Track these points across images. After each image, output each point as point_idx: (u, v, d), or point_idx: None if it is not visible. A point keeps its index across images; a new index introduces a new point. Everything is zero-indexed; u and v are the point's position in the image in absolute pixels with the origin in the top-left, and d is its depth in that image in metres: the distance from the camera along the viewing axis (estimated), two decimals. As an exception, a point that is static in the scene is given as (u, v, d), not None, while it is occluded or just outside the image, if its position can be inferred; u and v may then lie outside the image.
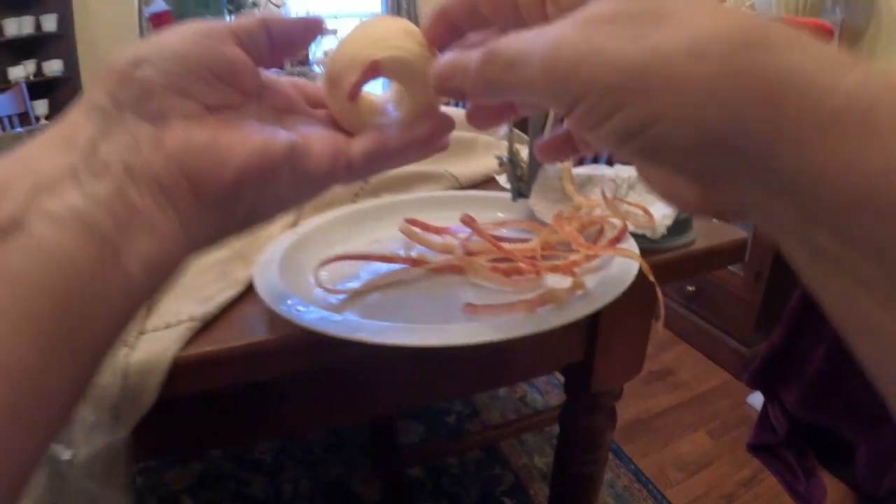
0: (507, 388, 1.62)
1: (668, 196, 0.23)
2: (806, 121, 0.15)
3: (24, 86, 1.94)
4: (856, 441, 1.15)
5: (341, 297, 0.40)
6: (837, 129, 0.15)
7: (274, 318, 0.36)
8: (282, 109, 0.28)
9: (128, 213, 0.21)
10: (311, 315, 0.34)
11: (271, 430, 0.50)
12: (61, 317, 0.19)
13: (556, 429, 1.36)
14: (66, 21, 3.04)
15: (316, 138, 0.27)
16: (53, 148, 0.21)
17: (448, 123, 0.30)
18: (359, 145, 0.28)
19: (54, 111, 3.11)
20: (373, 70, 0.28)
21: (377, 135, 0.28)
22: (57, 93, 3.11)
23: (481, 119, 0.27)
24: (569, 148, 0.28)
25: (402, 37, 0.28)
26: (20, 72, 2.98)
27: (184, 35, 0.24)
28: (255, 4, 1.45)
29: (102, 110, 0.22)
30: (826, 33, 0.69)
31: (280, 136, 0.25)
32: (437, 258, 0.43)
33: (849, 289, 0.16)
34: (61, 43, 3.07)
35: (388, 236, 0.50)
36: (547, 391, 1.64)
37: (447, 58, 0.25)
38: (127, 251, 0.21)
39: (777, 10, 1.65)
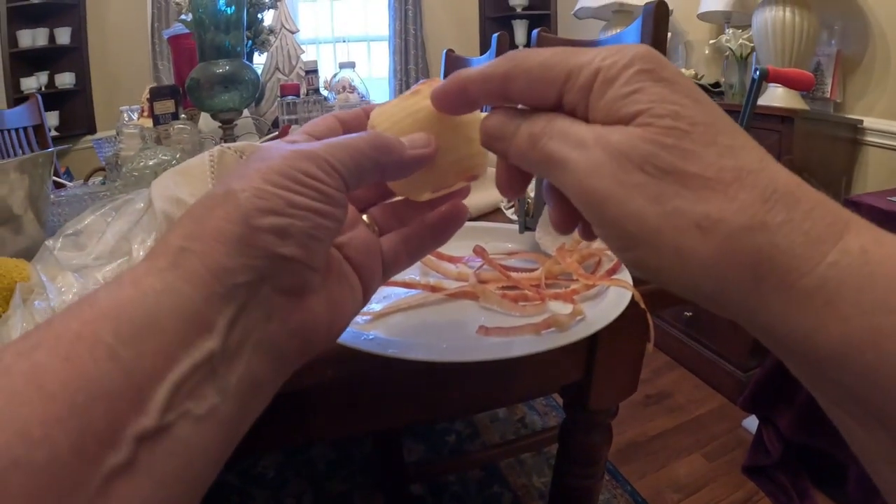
0: (506, 410, 1.65)
1: None
2: (781, 298, 0.18)
3: (40, 98, 1.99)
4: (847, 462, 1.18)
5: (367, 317, 0.45)
6: (808, 306, 0.18)
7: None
8: None
9: (252, 393, 0.22)
10: (346, 333, 0.39)
11: (299, 438, 0.55)
12: (195, 501, 0.20)
13: (554, 449, 1.39)
14: (79, 35, 3.10)
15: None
16: (189, 327, 0.20)
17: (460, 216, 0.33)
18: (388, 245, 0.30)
19: (64, 123, 3.16)
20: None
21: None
22: (67, 105, 3.17)
23: (507, 191, 0.28)
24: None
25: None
26: (33, 83, 3.03)
27: (324, 204, 0.23)
28: (272, 31, 1.52)
29: (246, 286, 0.21)
30: (807, 83, 0.75)
31: (353, 304, 0.27)
32: (452, 285, 0.49)
33: (830, 408, 0.20)
34: (74, 56, 3.14)
35: (405, 263, 0.55)
36: (545, 413, 1.67)
37: (498, 117, 0.25)
38: (245, 425, 0.22)
39: (774, 44, 1.72)
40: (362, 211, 0.32)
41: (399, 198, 0.33)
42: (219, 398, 0.20)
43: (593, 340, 0.57)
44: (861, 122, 1.73)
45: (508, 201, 0.58)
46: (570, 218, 0.26)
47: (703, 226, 0.19)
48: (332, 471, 1.43)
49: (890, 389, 0.17)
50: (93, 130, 3.21)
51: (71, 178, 1.62)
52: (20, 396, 0.16)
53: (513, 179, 0.27)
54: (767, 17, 1.70)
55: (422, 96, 0.28)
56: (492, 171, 0.30)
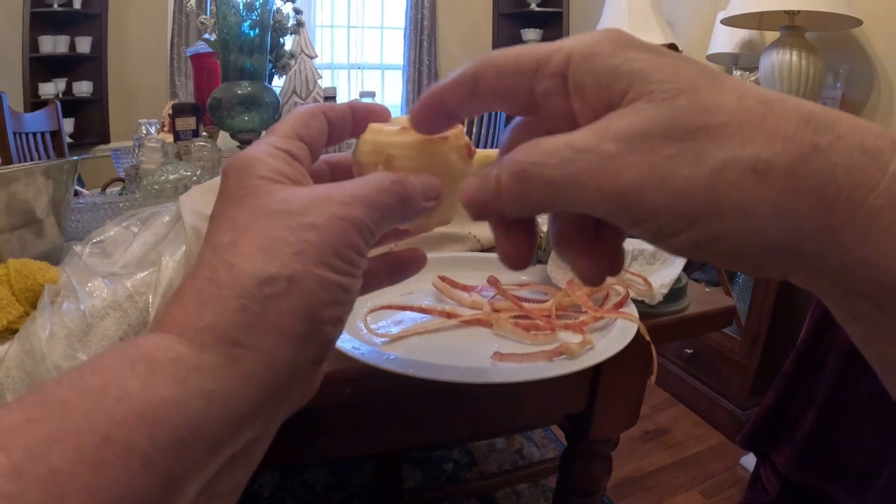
0: (504, 441, 1.65)
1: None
2: (853, 222, 0.17)
3: (59, 104, 2.04)
4: (844, 502, 1.18)
5: (385, 339, 0.47)
6: (877, 226, 0.16)
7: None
8: None
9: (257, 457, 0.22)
10: (365, 351, 0.41)
11: (307, 455, 0.56)
12: None
13: (550, 482, 1.39)
14: (99, 45, 3.14)
15: None
16: (238, 430, 0.19)
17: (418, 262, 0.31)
18: None
19: (79, 131, 3.18)
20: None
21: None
22: (83, 113, 3.20)
23: (516, 261, 0.24)
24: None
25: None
26: (51, 89, 3.06)
27: (360, 282, 0.23)
28: (292, 55, 1.56)
29: (299, 377, 0.21)
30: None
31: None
32: (466, 312, 0.51)
33: (886, 346, 0.18)
34: (92, 66, 3.17)
35: (420, 289, 0.57)
36: (543, 445, 1.66)
37: (471, 183, 0.22)
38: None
39: (781, 86, 1.76)
40: None
41: None
42: (245, 475, 0.20)
43: (597, 372, 0.58)
44: (864, 165, 1.75)
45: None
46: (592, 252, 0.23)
47: (759, 169, 0.17)
48: (329, 494, 1.42)
49: None
50: (106, 140, 3.25)
51: (83, 185, 1.64)
52: None
53: (519, 246, 0.24)
54: (775, 60, 1.75)
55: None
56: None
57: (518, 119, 0.25)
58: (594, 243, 0.23)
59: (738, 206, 0.17)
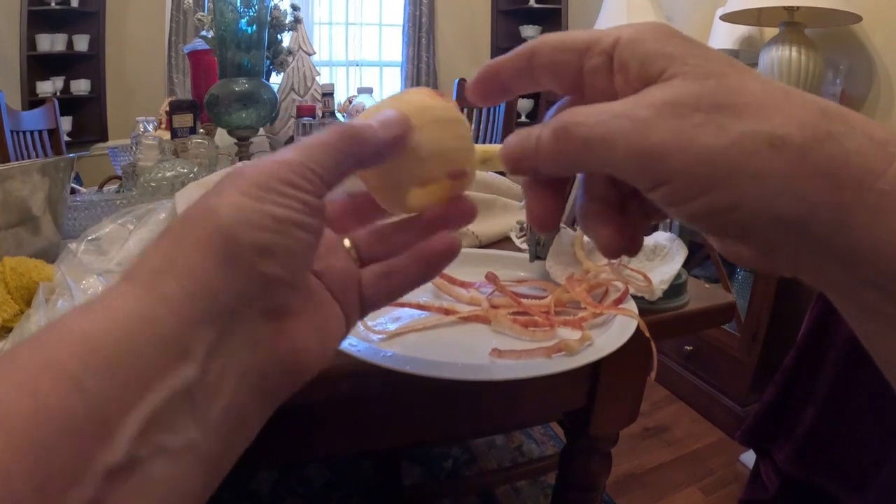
0: (504, 438, 1.65)
1: (725, 253, 0.23)
2: (862, 203, 0.18)
3: (56, 103, 2.03)
4: (844, 499, 1.18)
5: (382, 336, 0.47)
6: (884, 208, 0.18)
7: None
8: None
9: (237, 427, 0.20)
10: (363, 348, 0.41)
11: (305, 452, 0.56)
12: None
13: (550, 479, 1.39)
14: (97, 43, 3.13)
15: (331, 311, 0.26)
16: (164, 353, 0.18)
17: (468, 213, 0.29)
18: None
19: (77, 129, 3.17)
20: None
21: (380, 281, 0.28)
22: (81, 111, 3.19)
23: (544, 221, 0.26)
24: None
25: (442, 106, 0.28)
26: (48, 87, 3.04)
27: (307, 221, 0.22)
28: (290, 52, 1.55)
29: (226, 309, 0.20)
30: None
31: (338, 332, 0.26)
32: (465, 309, 0.50)
33: (893, 338, 0.19)
34: (90, 64, 3.16)
35: (418, 285, 0.57)
36: (543, 442, 1.66)
37: (513, 138, 0.24)
38: (229, 462, 0.21)
39: (780, 82, 1.76)
40: (343, 233, 0.29)
41: (387, 221, 0.30)
42: (198, 432, 0.18)
43: (597, 368, 0.58)
44: (864, 161, 1.75)
45: (521, 231, 0.60)
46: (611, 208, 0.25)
47: (775, 143, 0.18)
48: (328, 491, 1.42)
49: None
50: (104, 138, 3.24)
51: (81, 184, 1.64)
52: None
53: (548, 206, 0.26)
54: (774, 57, 1.74)
55: (405, 95, 0.27)
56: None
57: (563, 100, 0.26)
58: (619, 217, 0.25)
59: (753, 174, 0.19)
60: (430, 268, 0.29)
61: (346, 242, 0.29)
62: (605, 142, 0.21)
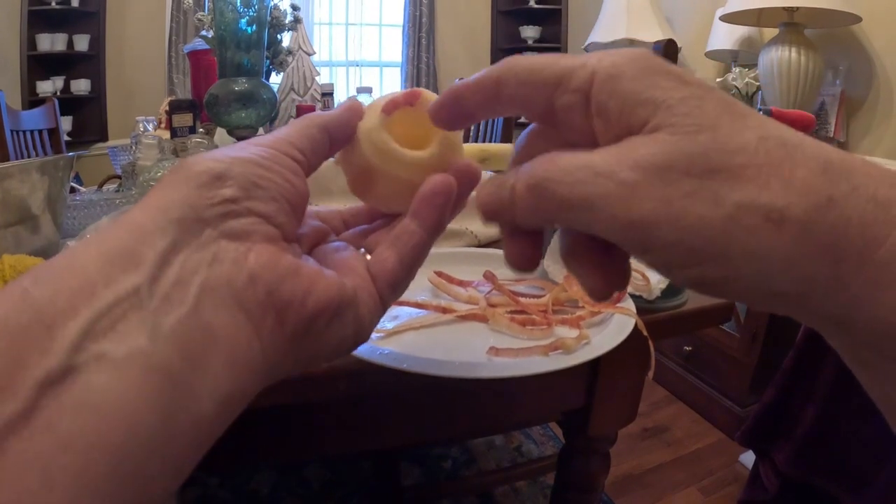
0: (503, 438, 1.65)
1: None
2: (860, 277, 0.17)
3: (56, 102, 2.03)
4: (844, 499, 1.18)
5: (379, 334, 0.47)
6: (884, 280, 0.17)
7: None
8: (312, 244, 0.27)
9: (203, 342, 0.19)
10: (361, 347, 0.41)
11: (304, 451, 0.56)
12: (122, 478, 0.16)
13: (549, 479, 1.39)
14: (97, 43, 3.13)
15: (362, 286, 0.24)
16: (113, 263, 0.18)
17: (473, 176, 0.27)
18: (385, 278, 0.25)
19: (77, 129, 3.17)
20: (413, 96, 0.27)
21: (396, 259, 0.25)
22: (81, 111, 3.19)
23: (522, 264, 0.24)
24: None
25: None
26: (49, 87, 3.05)
27: (265, 160, 0.22)
28: (289, 52, 1.55)
29: (179, 221, 0.19)
30: (808, 124, 0.77)
31: (347, 278, 0.24)
32: (462, 307, 0.50)
33: (890, 390, 0.19)
34: (91, 64, 3.16)
35: (416, 284, 0.56)
36: (542, 442, 1.66)
37: (487, 188, 0.23)
38: (200, 388, 0.18)
39: (780, 83, 1.76)
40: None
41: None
42: (147, 341, 0.17)
43: (595, 368, 0.58)
44: (864, 162, 1.76)
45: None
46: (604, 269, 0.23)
47: (773, 217, 0.17)
48: (328, 491, 1.42)
49: None
50: (105, 138, 3.25)
51: (81, 183, 1.64)
52: None
53: (525, 253, 0.24)
54: (773, 57, 1.74)
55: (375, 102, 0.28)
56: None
57: (532, 126, 0.25)
58: (604, 257, 0.23)
59: (750, 251, 0.17)
60: (434, 210, 0.26)
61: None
62: (587, 206, 0.19)
